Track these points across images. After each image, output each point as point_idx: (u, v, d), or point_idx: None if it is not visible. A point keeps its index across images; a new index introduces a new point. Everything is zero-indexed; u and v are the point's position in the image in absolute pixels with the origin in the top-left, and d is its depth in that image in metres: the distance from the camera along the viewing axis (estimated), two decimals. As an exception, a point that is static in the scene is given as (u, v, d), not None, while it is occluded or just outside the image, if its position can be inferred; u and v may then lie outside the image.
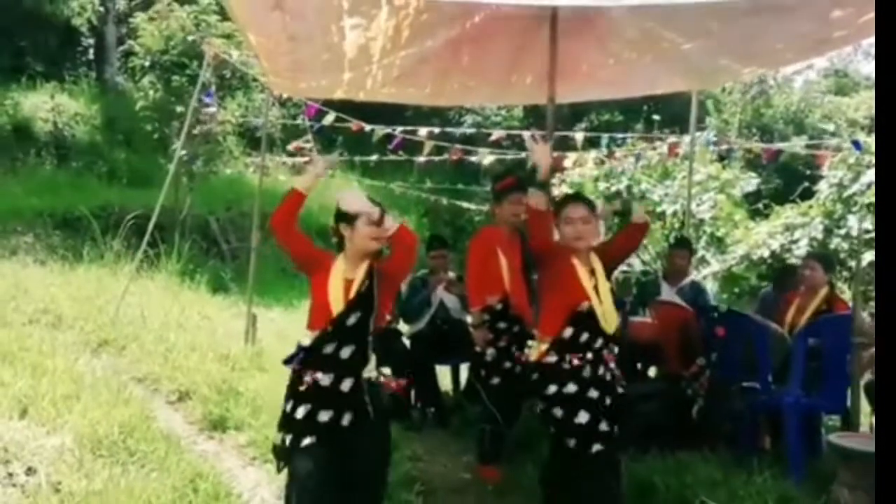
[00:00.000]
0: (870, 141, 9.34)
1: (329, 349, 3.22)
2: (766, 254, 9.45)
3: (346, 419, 3.18)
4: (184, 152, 8.87)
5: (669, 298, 5.65)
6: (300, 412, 3.19)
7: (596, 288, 3.66)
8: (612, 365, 3.68)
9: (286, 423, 3.24)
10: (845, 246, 8.50)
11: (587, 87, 6.11)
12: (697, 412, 5.03)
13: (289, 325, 8.09)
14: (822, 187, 9.43)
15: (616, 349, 3.80)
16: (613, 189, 10.53)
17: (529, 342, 4.61)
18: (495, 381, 4.60)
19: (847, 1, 4.14)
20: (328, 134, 13.89)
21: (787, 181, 13.52)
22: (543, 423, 3.76)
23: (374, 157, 13.02)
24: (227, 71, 12.08)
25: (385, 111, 10.38)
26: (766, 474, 4.22)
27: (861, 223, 8.52)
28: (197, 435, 4.95)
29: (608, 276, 3.78)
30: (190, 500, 3.67)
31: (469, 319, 4.95)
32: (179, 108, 11.58)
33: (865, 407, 4.82)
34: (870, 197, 8.67)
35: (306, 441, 3.14)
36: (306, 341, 3.26)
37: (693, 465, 4.37)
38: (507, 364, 4.64)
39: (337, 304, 3.25)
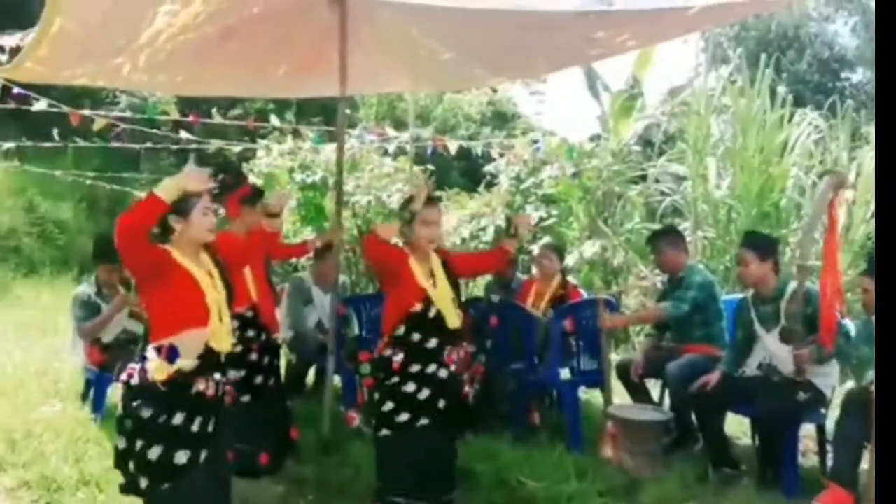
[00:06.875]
0: (545, 140, 10.45)
1: None
2: (458, 240, 10.21)
3: None
4: None
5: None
6: None
7: (433, 287, 3.78)
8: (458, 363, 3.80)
9: None
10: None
11: (371, 79, 6.07)
12: (474, 397, 5.34)
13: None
14: (502, 180, 10.42)
15: (465, 347, 3.90)
16: (310, 181, 10.47)
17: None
18: (245, 398, 4.30)
19: (611, 23, 4.69)
20: None
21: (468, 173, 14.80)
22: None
23: (28, 143, 11.45)
24: None
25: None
26: (559, 448, 4.68)
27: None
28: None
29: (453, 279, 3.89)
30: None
31: None
32: None
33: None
34: (544, 189, 9.80)
35: None
36: None
37: (490, 448, 4.67)
38: (259, 379, 4.43)
39: None
